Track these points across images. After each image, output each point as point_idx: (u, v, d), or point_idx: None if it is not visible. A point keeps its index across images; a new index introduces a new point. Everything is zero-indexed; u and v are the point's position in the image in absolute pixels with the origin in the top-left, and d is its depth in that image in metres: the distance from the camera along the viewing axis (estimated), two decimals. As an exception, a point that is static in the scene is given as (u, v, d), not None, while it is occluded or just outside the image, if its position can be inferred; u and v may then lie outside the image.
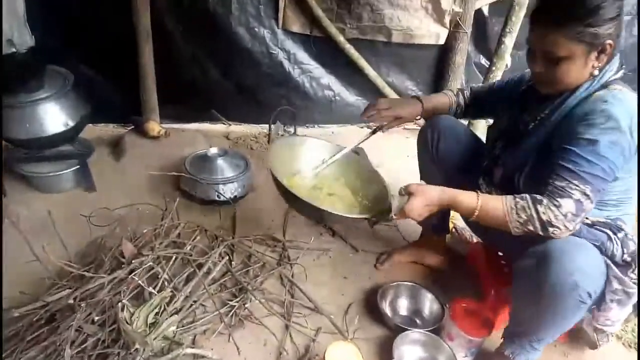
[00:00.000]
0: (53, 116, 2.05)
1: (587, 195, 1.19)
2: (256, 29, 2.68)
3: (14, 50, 2.22)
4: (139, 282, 1.46)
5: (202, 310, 1.67)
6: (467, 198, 1.31)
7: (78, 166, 2.21)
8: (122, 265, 1.58)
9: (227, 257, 1.84)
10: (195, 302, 1.65)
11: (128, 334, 1.32)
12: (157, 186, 2.28)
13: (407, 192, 1.34)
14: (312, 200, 1.55)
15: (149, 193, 2.24)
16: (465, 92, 1.76)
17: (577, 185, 1.19)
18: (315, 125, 3.10)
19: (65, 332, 1.27)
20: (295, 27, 2.74)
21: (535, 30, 1.26)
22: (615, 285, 1.24)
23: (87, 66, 2.56)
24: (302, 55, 2.83)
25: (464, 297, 1.68)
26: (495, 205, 1.27)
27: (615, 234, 1.29)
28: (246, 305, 1.69)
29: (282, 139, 1.74)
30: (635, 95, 1.26)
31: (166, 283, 1.60)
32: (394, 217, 1.38)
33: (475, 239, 2.07)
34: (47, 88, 2.04)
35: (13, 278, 1.57)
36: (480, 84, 1.91)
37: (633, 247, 1.27)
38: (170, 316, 1.52)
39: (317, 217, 1.69)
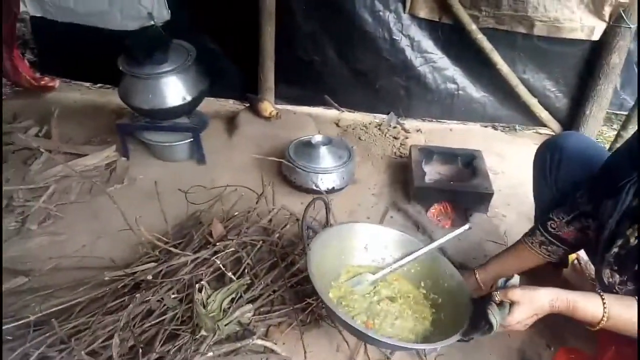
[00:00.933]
0: (174, 89, 2.15)
1: None
2: (380, 12, 2.53)
3: (152, 22, 2.37)
4: (220, 265, 1.46)
5: (280, 301, 1.64)
6: (591, 307, 1.07)
7: (192, 139, 2.31)
8: (209, 245, 1.61)
9: (313, 251, 1.78)
10: (275, 291, 1.63)
11: (200, 317, 1.34)
12: (261, 167, 2.30)
13: (507, 300, 1.12)
14: (372, 316, 1.33)
15: (253, 173, 2.26)
16: (550, 222, 1.38)
17: None
18: (433, 120, 2.88)
19: (143, 304, 1.32)
20: (423, 13, 2.53)
21: None
22: None
23: (210, 42, 2.65)
24: (427, 44, 2.62)
25: (574, 346, 1.42)
26: (629, 315, 1.04)
27: None
28: (324, 306, 1.62)
29: (324, 232, 1.39)
30: None
31: (248, 269, 1.59)
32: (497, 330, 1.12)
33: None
34: (171, 62, 2.13)
35: (111, 243, 1.69)
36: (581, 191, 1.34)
37: None
38: (247, 303, 1.52)
39: (385, 347, 1.34)
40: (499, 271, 1.45)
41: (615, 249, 1.15)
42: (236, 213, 1.79)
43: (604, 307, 1.06)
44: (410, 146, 2.37)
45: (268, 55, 2.61)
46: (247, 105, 2.74)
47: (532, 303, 1.10)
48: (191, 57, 2.20)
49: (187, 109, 2.24)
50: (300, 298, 1.64)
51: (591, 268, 1.81)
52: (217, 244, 1.58)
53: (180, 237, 1.72)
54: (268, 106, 2.60)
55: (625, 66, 2.54)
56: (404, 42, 2.60)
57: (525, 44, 2.54)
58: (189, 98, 2.18)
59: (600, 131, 2.83)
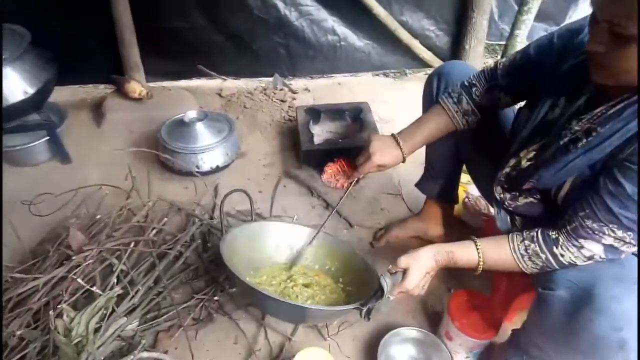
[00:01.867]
0: (10, 84, 1.84)
1: (626, 243, 0.91)
2: (242, -35, 2.32)
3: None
4: (80, 281, 1.27)
5: (169, 302, 1.48)
6: (466, 254, 1.10)
7: (48, 137, 2.01)
8: (73, 258, 1.40)
9: (200, 240, 1.63)
10: (160, 292, 1.47)
11: (59, 346, 1.15)
12: (136, 156, 2.07)
13: (399, 269, 1.13)
14: (284, 297, 1.32)
15: (128, 165, 2.03)
16: (474, 88, 1.29)
17: (613, 231, 0.91)
18: (319, 76, 2.75)
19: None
20: (289, -38, 2.36)
21: None
22: None
23: (55, 21, 2.28)
24: (299, -5, 2.45)
25: (468, 287, 1.41)
26: (502, 255, 1.06)
27: None
28: (216, 298, 1.49)
29: (238, 228, 1.40)
30: None
31: (122, 277, 1.42)
32: (391, 297, 1.13)
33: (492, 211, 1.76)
34: (-2, 51, 1.81)
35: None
36: (505, 58, 1.27)
37: None
38: (126, 314, 1.35)
39: (296, 316, 1.30)
40: (425, 137, 1.34)
41: (507, 169, 1.14)
42: (98, 216, 1.58)
43: (478, 253, 1.08)
44: (296, 108, 2.24)
45: (126, 28, 2.31)
46: (114, 88, 2.45)
47: (418, 262, 1.11)
48: (25, 43, 1.88)
49: (33, 103, 1.93)
50: (192, 294, 1.50)
51: (481, 203, 1.83)
52: (77, 256, 1.37)
53: (39, 255, 1.49)
54: (136, 86, 2.33)
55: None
56: (274, -4, 2.42)
57: (398, -17, 2.46)
58: (31, 91, 1.88)
59: (484, 63, 2.86)
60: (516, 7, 2.67)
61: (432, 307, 1.53)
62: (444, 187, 1.63)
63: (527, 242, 1.02)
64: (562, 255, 0.97)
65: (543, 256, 1.00)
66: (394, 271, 1.14)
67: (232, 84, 2.66)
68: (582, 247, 0.95)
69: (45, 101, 2.03)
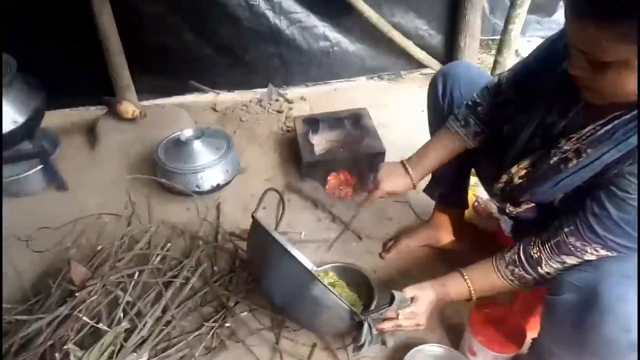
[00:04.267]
0: (-1, 114, 1.78)
1: (599, 255, 0.91)
2: (228, -24, 2.27)
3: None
4: (84, 318, 1.22)
5: (180, 331, 1.43)
6: (457, 288, 1.11)
7: (42, 165, 1.96)
8: (76, 295, 1.34)
9: (206, 264, 1.58)
10: (169, 322, 1.42)
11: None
12: (134, 180, 2.01)
13: (408, 298, 1.12)
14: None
15: (126, 189, 1.97)
16: (479, 107, 1.25)
17: (595, 250, 0.91)
18: (314, 83, 2.70)
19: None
20: (276, -30, 2.31)
21: (569, 22, 0.79)
22: None
23: (39, 43, 2.22)
24: (288, 3, 2.40)
25: (491, 299, 1.36)
26: (492, 282, 1.07)
27: None
28: (227, 324, 1.44)
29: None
30: None
31: (128, 309, 1.36)
32: (402, 325, 1.12)
33: (502, 213, 1.71)
34: (-17, 82, 1.75)
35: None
36: (507, 72, 1.23)
37: None
38: (134, 350, 1.30)
39: (299, 290, 1.14)
40: (433, 162, 1.33)
41: (501, 184, 1.13)
42: (100, 247, 1.53)
43: (468, 285, 1.10)
44: (294, 118, 2.20)
45: (114, 48, 2.26)
46: (107, 109, 2.39)
47: (424, 291, 1.11)
48: (11, 69, 1.82)
49: (23, 132, 1.87)
50: (203, 320, 1.45)
51: (492, 206, 1.78)
52: (81, 291, 1.32)
53: (39, 293, 1.43)
54: (129, 106, 2.28)
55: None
56: (264, 6, 2.37)
57: (388, -15, 2.42)
58: (21, 120, 1.81)
59: (479, 59, 2.82)
60: (507, 1, 2.63)
61: (450, 319, 1.48)
62: (452, 192, 1.59)
63: (511, 267, 1.03)
64: (548, 273, 0.98)
65: (530, 278, 1.01)
66: (400, 297, 1.11)
67: (226, 97, 2.61)
68: (564, 262, 0.95)
69: (37, 128, 1.96)
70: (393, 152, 2.08)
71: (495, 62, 2.36)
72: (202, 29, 2.37)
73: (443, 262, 1.65)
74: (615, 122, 0.87)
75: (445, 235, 1.67)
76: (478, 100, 1.26)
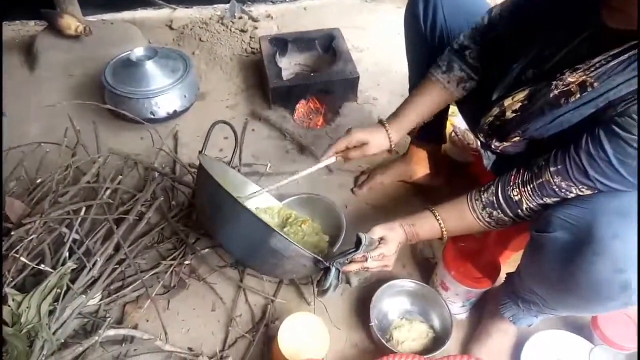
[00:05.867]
0: None
1: (583, 194, 0.86)
2: None
3: None
4: (22, 258, 1.09)
5: (135, 270, 1.32)
6: (427, 225, 1.06)
7: (-28, 87, 1.72)
8: (12, 233, 1.20)
9: (162, 198, 1.44)
10: (123, 260, 1.31)
11: (6, 338, 1.00)
12: (81, 104, 1.79)
13: (376, 240, 1.06)
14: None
15: (70, 115, 1.76)
16: (467, 50, 1.11)
17: (581, 191, 0.85)
18: (284, 0, 2.46)
19: None
20: None
21: None
22: None
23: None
24: None
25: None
26: (466, 224, 1.02)
27: None
28: (187, 262, 1.34)
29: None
30: None
31: (76, 248, 1.24)
32: (369, 267, 1.06)
33: (480, 145, 1.62)
34: None
35: None
36: (497, 7, 1.08)
37: None
38: (83, 292, 1.19)
39: (255, 244, 1.05)
40: (419, 115, 1.20)
41: (490, 118, 1.02)
42: (40, 179, 1.36)
43: (440, 224, 1.05)
44: (259, 39, 1.99)
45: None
46: (46, 24, 2.11)
47: (393, 231, 1.06)
48: None
49: (-57, 48, 1.62)
50: (160, 258, 1.35)
51: (469, 137, 1.69)
52: (17, 230, 1.18)
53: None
54: (71, 21, 2.01)
55: None
56: None
57: None
58: (-61, 33, 1.56)
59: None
60: None
61: (421, 253, 1.43)
62: (430, 127, 1.47)
63: (489, 210, 0.97)
64: (528, 215, 0.94)
65: (508, 219, 0.96)
66: (367, 240, 1.04)
67: (183, 14, 2.35)
68: (545, 204, 0.90)
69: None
70: (367, 78, 1.95)
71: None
72: None
73: (418, 196, 1.58)
74: (632, 52, 0.75)
75: (421, 170, 1.58)
76: (465, 43, 1.11)
